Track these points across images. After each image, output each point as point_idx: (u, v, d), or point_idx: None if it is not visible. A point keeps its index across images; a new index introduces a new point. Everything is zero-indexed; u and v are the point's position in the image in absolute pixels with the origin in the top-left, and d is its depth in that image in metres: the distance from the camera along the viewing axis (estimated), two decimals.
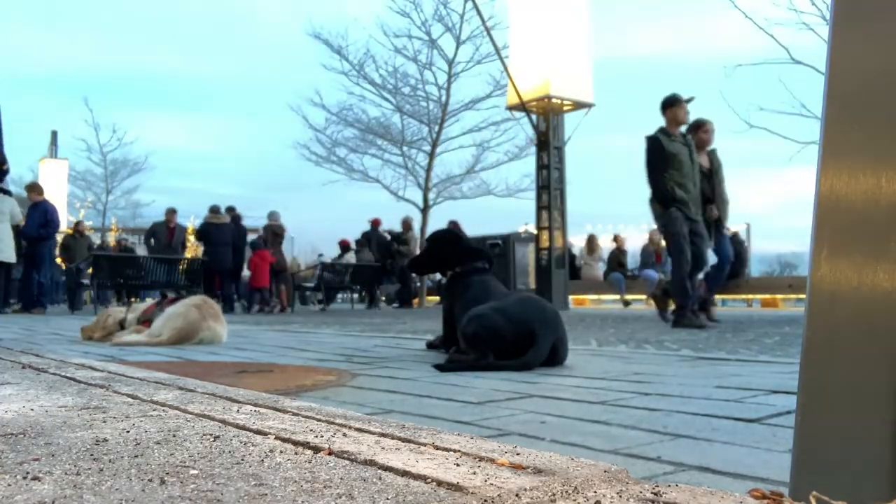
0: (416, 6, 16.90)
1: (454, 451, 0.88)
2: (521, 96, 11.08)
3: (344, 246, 16.37)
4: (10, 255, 10.17)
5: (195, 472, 0.78)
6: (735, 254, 12.81)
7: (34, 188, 11.42)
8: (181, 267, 12.61)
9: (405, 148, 18.21)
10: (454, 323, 3.16)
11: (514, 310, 2.82)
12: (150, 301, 5.04)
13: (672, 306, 6.76)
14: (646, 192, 6.29)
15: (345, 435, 0.98)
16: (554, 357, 2.73)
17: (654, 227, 14.82)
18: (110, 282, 12.51)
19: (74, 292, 13.67)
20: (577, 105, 11.45)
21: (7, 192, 10.87)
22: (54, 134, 27.26)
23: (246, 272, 13.56)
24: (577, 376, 2.42)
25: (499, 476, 0.75)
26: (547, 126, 11.32)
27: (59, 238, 13.83)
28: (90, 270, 12.38)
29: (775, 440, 1.36)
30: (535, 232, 12.03)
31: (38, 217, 10.75)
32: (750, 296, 14.10)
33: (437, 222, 17.06)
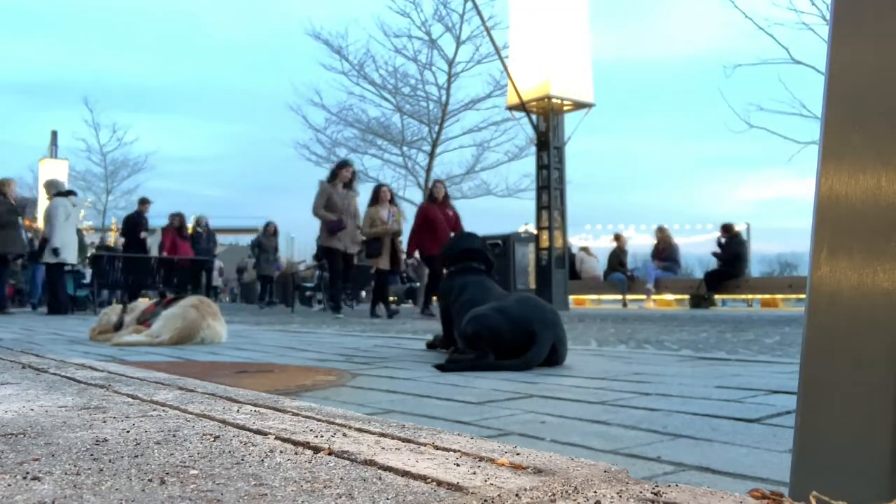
0: (416, 6, 16.85)
1: (454, 451, 0.88)
2: (521, 96, 11.06)
3: None
4: (72, 257, 10.42)
5: (195, 472, 0.78)
6: (735, 254, 12.87)
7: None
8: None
9: (405, 148, 18.17)
10: (452, 323, 3.17)
11: (514, 310, 2.82)
12: (149, 300, 5.04)
13: None
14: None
15: (345, 435, 0.98)
16: (553, 357, 2.73)
17: (660, 225, 14.97)
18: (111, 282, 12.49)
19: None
20: (577, 105, 11.43)
21: (73, 193, 10.80)
22: (54, 134, 27.21)
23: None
24: (577, 376, 2.42)
25: (499, 476, 0.75)
26: (547, 126, 11.30)
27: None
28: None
29: (775, 440, 1.36)
30: (535, 232, 12.01)
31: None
32: (750, 296, 14.10)
33: None
